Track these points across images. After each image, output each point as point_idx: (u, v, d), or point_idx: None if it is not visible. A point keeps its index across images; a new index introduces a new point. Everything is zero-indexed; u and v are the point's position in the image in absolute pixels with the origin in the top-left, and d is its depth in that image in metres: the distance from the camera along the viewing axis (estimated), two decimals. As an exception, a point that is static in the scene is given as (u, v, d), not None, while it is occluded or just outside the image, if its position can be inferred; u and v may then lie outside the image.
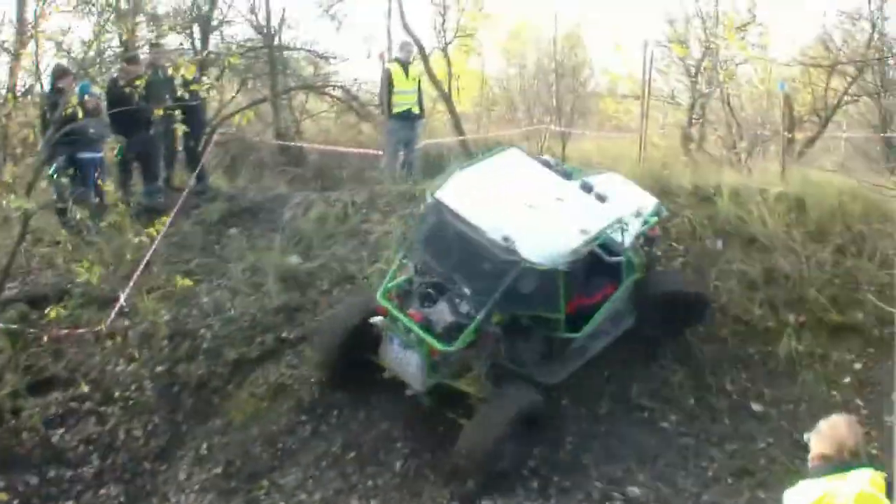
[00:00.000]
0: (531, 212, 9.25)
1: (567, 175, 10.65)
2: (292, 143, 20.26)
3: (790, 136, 16.24)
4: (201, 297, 12.06)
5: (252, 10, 21.11)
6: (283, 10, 21.18)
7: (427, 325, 8.99)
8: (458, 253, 9.14)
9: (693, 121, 18.54)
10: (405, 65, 15.70)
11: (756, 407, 10.69)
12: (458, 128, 20.83)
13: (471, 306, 8.95)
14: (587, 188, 10.13)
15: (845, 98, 17.99)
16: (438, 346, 8.83)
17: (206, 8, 20.09)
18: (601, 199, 9.95)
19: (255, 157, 20.18)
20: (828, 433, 4.64)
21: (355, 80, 22.58)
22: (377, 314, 9.33)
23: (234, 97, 21.23)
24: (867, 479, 4.39)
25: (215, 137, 17.17)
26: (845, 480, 4.41)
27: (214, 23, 20.53)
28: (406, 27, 20.67)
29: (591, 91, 23.73)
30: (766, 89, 17.90)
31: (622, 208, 10.06)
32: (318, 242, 13.02)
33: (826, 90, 18.05)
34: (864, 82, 18.32)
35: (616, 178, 11.67)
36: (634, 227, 10.26)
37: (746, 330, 11.60)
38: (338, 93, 22.36)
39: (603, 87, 23.96)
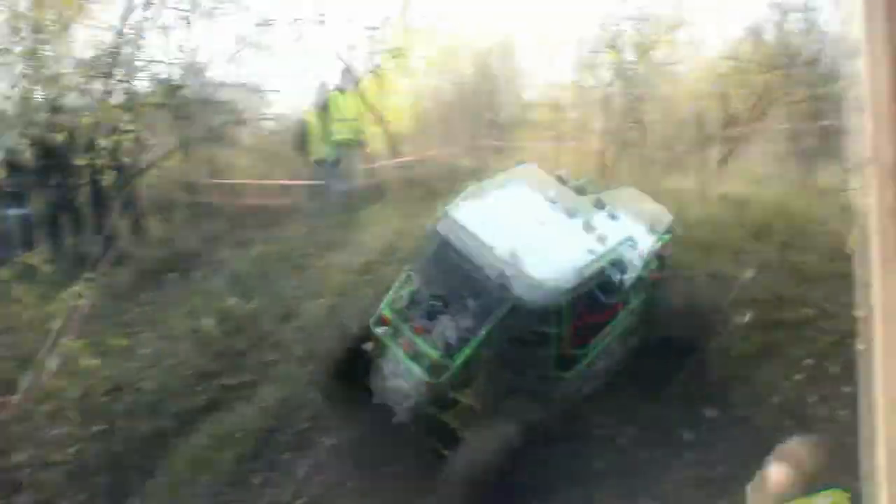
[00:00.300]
0: (541, 228, 9.11)
1: (581, 190, 10.49)
2: (228, 181, 19.92)
3: (728, 135, 16.22)
4: (140, 348, 11.75)
5: (179, 48, 20.74)
6: (211, 46, 20.79)
7: (421, 351, 8.85)
8: (463, 270, 8.92)
9: (631, 125, 18.41)
10: (344, 92, 15.43)
11: (710, 413, 10.54)
12: (395, 150, 20.63)
13: (471, 327, 8.74)
14: (600, 205, 10.03)
15: (780, 93, 17.94)
16: (426, 378, 8.65)
17: (128, 51, 19.65)
18: (613, 216, 9.89)
19: (190, 198, 19.82)
20: (788, 458, 4.46)
21: (288, 112, 22.28)
22: (378, 327, 9.22)
23: (163, 140, 20.82)
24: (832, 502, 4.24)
25: (147, 181, 16.80)
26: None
27: (140, 63, 20.12)
28: (337, 53, 20.47)
29: (528, 102, 23.57)
30: (702, 88, 17.86)
31: (634, 225, 10.01)
32: (259, 282, 12.77)
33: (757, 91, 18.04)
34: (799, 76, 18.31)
35: (632, 193, 11.57)
36: (647, 244, 10.09)
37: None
38: (271, 125, 22.06)
39: (539, 96, 23.80)
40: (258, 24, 21.41)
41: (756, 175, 14.48)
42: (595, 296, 9.24)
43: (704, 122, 17.23)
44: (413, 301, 9.33)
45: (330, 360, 9.72)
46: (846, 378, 10.01)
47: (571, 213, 9.43)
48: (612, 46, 19.39)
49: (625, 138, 17.20)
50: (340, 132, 15.05)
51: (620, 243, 9.34)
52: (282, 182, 19.17)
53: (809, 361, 10.77)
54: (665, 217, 10.98)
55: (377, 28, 22.95)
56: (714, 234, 12.36)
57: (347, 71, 16.83)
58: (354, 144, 15.33)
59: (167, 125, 20.54)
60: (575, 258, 8.73)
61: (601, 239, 9.19)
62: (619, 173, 15.03)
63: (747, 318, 10.56)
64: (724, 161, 15.37)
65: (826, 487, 4.38)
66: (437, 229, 9.29)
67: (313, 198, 17.37)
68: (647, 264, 9.95)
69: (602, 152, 17.00)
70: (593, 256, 8.86)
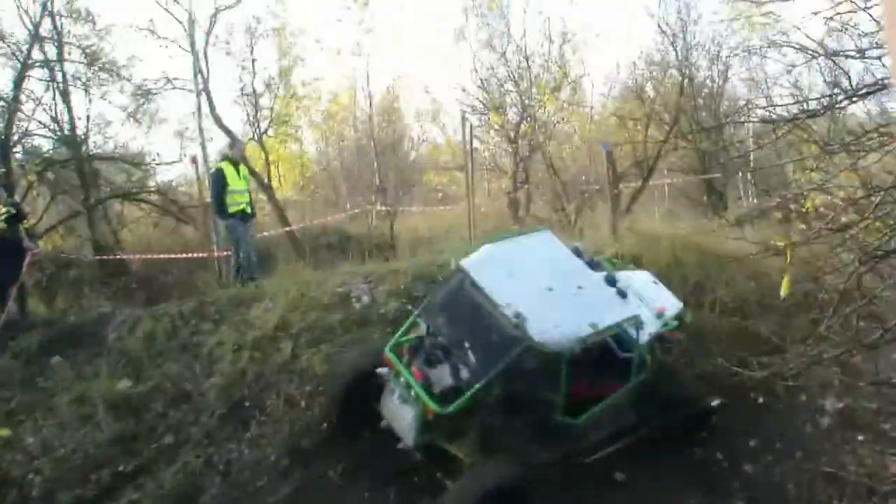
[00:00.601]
0: (548, 295, 9.11)
1: (594, 265, 10.55)
2: (112, 256, 19.31)
3: (616, 191, 16.43)
4: (26, 437, 11.10)
5: (55, 120, 20.24)
6: (88, 117, 20.33)
7: (427, 385, 9.04)
8: (470, 321, 9.23)
9: (518, 185, 18.55)
10: (236, 163, 15.01)
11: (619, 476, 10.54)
12: (282, 218, 20.32)
13: (471, 374, 8.95)
14: (611, 281, 10.11)
15: (664, 146, 18.34)
16: (434, 406, 8.84)
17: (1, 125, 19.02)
18: (622, 294, 9.96)
19: (74, 275, 19.14)
20: None
21: (171, 182, 21.87)
22: (384, 365, 9.43)
23: (43, 215, 20.15)
24: None
25: (27, 259, 16.14)
26: None
27: (15, 137, 19.52)
28: (218, 121, 20.18)
29: (413, 164, 23.55)
30: (588, 146, 18.13)
31: (641, 307, 9.98)
32: (148, 362, 12.21)
33: (645, 142, 18.38)
34: (679, 129, 18.78)
35: (645, 276, 11.53)
36: (653, 327, 10.10)
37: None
38: (154, 198, 21.59)
39: (425, 159, 23.83)
40: (135, 94, 21.24)
41: (650, 231, 14.59)
42: (595, 366, 9.52)
43: (593, 180, 17.44)
44: (417, 346, 9.57)
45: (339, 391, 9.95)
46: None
47: (580, 286, 9.55)
48: (496, 108, 19.59)
49: (514, 199, 17.27)
50: (235, 203, 14.59)
51: (623, 321, 9.38)
52: (170, 255, 18.74)
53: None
54: (675, 304, 11.04)
55: (259, 94, 22.83)
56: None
57: (239, 141, 16.51)
58: (247, 216, 14.88)
59: (50, 198, 19.96)
60: (577, 328, 8.75)
61: (605, 311, 9.25)
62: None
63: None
64: (615, 219, 15.50)
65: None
66: (448, 282, 9.71)
67: (205, 268, 16.95)
68: (649, 346, 10.02)
69: (491, 214, 16.98)
70: (594, 329, 8.85)
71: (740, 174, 20.74)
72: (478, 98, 19.92)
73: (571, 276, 9.70)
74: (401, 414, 9.34)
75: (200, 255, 17.09)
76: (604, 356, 9.73)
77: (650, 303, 10.44)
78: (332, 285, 12.58)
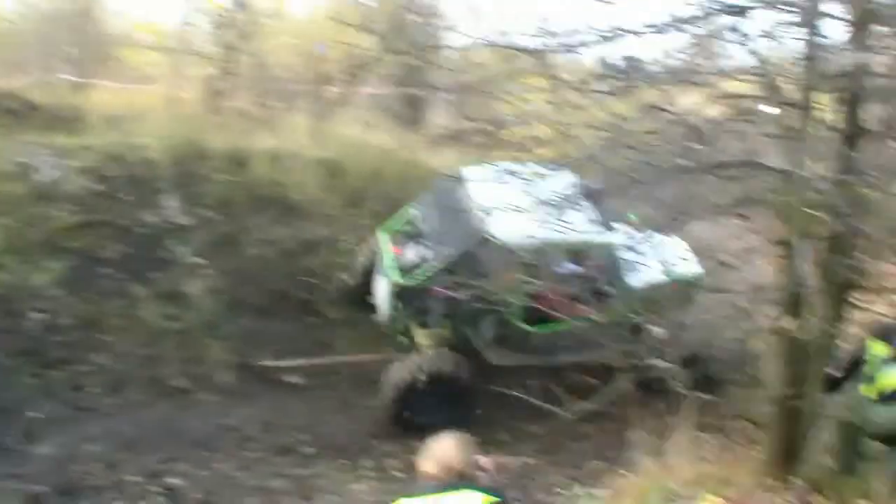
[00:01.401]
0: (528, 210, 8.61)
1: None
2: None
3: (324, 94, 16.14)
4: None
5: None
6: None
7: (399, 261, 10.42)
8: (449, 214, 10.35)
9: (223, 75, 17.74)
10: None
11: (294, 379, 10.52)
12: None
13: (434, 256, 10.15)
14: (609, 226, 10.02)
15: (377, 57, 18.09)
16: (396, 277, 10.16)
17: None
18: (609, 227, 9.92)
19: None
20: (436, 453, 4.29)
21: None
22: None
23: None
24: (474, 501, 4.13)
25: None
26: (450, 499, 4.12)
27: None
28: None
29: (112, 38, 21.95)
30: (302, 44, 17.59)
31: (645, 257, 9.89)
32: None
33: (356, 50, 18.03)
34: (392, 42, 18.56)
35: (676, 241, 11.18)
36: (651, 273, 10.36)
37: (284, 302, 11.41)
38: None
39: (125, 35, 22.28)
40: None
41: (350, 138, 14.49)
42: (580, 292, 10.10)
43: (302, 81, 17.01)
44: (405, 229, 11.05)
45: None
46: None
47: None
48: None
49: (217, 89, 16.53)
50: None
51: (591, 243, 9.95)
52: None
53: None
54: (693, 268, 11.08)
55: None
56: (309, 201, 12.27)
57: None
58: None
59: None
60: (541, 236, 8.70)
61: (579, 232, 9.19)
62: (210, 126, 14.31)
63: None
64: (317, 122, 15.21)
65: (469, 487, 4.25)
66: (444, 181, 11.06)
67: None
68: (644, 292, 10.33)
69: (195, 100, 16.22)
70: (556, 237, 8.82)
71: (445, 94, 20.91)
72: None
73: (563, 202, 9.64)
74: (380, 287, 10.62)
75: None
76: (592, 285, 10.30)
77: (662, 257, 10.57)
78: (10, 154, 11.59)
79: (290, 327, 11.17)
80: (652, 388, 8.67)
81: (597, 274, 10.47)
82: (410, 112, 20.08)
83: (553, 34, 6.35)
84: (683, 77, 6.46)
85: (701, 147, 6.44)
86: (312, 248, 11.94)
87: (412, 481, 4.88)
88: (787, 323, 6.54)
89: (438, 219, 10.64)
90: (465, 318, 10.05)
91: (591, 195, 10.79)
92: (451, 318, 10.04)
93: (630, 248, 9.57)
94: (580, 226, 9.69)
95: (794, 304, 6.53)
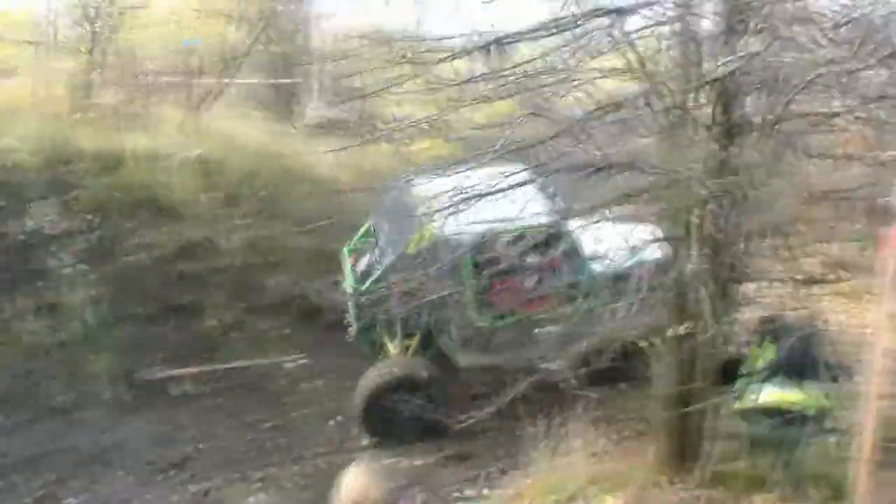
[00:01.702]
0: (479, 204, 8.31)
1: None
2: None
3: (196, 88, 15.83)
4: None
5: None
6: None
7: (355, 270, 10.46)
8: (398, 217, 10.24)
9: (92, 71, 17.18)
10: None
11: (184, 389, 10.44)
12: None
13: (384, 259, 10.05)
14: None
15: (250, 46, 17.80)
16: (350, 283, 10.28)
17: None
18: (560, 213, 9.70)
19: None
20: (351, 488, 4.31)
21: None
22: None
23: None
24: None
25: None
26: None
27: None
28: None
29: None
30: (173, 36, 17.16)
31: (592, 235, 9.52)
32: None
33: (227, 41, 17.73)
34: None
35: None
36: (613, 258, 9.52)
37: (165, 309, 11.30)
38: None
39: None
40: None
41: (225, 133, 14.28)
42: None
43: (174, 74, 16.62)
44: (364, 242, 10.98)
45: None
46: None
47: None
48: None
49: (84, 84, 16.02)
50: None
51: (532, 226, 9.54)
52: None
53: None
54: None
55: None
56: (185, 202, 12.10)
57: None
58: None
59: None
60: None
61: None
62: (79, 125, 13.89)
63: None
64: (190, 117, 14.93)
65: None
66: (393, 190, 10.63)
67: None
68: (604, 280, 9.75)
69: (62, 97, 15.69)
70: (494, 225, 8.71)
71: (317, 83, 20.76)
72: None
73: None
74: (348, 302, 10.35)
75: None
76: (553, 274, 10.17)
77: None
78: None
79: (176, 335, 11.11)
80: (551, 388, 8.57)
81: (558, 262, 10.29)
82: (284, 103, 19.86)
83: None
84: (562, 77, 6.56)
85: (581, 147, 6.58)
86: (192, 250, 11.79)
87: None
88: (676, 320, 6.74)
89: (388, 224, 10.59)
90: (429, 321, 10.03)
91: (544, 185, 10.99)
92: (415, 321, 9.97)
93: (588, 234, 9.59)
94: (533, 214, 9.56)
95: (681, 300, 6.72)
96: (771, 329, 7.19)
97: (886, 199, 10.84)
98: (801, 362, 6.77)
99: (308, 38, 20.43)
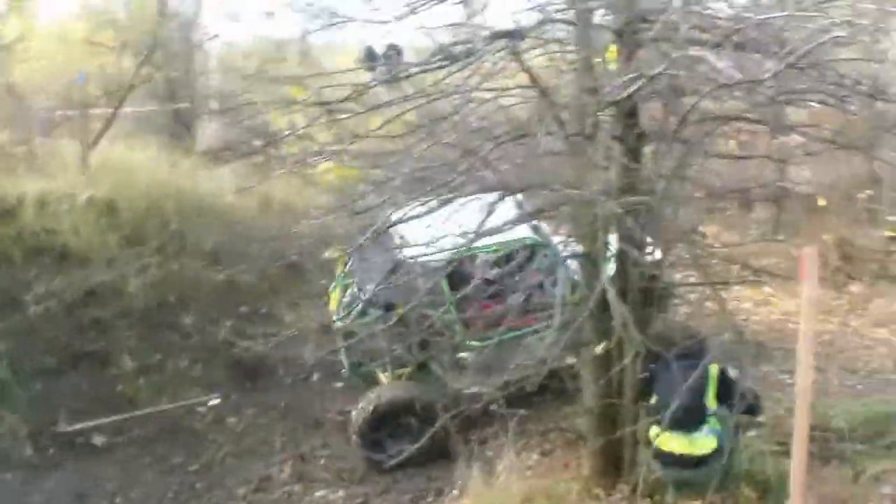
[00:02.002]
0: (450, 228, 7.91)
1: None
2: None
3: (88, 123, 15.40)
4: None
5: None
6: None
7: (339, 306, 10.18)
8: (376, 250, 9.56)
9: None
10: None
11: (99, 440, 10.15)
12: None
13: (362, 292, 9.77)
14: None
15: (137, 75, 17.40)
16: (335, 319, 9.98)
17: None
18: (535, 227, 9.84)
19: None
20: None
21: None
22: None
23: None
24: None
25: None
26: None
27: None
28: None
29: None
30: (59, 69, 16.69)
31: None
32: None
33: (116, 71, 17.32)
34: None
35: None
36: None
37: (76, 357, 10.97)
38: None
39: None
40: None
41: (124, 167, 13.93)
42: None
43: (58, 108, 16.15)
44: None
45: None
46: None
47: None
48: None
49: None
50: None
51: (504, 242, 9.50)
52: None
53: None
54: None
55: None
56: (89, 244, 11.78)
57: None
58: None
59: None
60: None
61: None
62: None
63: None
64: (87, 151, 14.50)
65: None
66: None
67: None
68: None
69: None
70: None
71: (207, 105, 20.51)
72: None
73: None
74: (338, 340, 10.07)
75: None
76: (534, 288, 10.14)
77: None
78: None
79: (90, 383, 10.75)
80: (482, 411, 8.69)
81: (540, 275, 10.21)
82: (183, 128, 19.51)
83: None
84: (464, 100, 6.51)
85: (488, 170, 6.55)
86: (100, 294, 11.46)
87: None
88: (596, 337, 6.73)
89: (365, 257, 10.17)
90: (419, 348, 9.79)
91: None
92: (405, 349, 9.70)
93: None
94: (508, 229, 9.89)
95: (600, 318, 6.67)
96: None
97: (781, 183, 11.22)
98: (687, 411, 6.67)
99: (197, 60, 20.20)
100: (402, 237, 9.24)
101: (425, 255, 8.73)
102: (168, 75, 18.48)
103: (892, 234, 13.21)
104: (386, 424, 9.40)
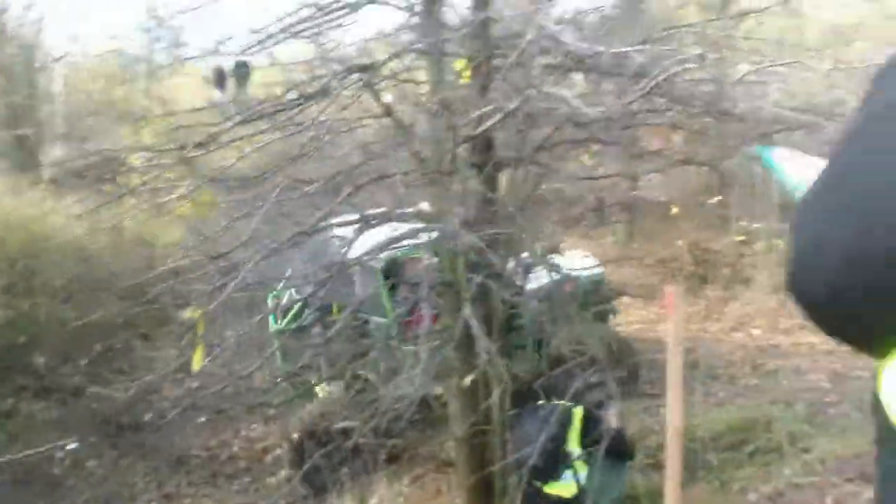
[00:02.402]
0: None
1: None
2: None
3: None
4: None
5: None
6: None
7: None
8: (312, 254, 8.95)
9: None
10: None
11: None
12: None
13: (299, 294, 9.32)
14: None
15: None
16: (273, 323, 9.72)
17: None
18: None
19: None
20: None
21: None
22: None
23: None
24: None
25: None
26: None
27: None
28: None
29: None
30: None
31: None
32: None
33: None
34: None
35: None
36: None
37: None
38: None
39: None
40: None
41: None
42: None
43: None
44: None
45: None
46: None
47: None
48: None
49: None
50: None
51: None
52: None
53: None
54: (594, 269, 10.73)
55: None
56: None
57: None
58: None
59: None
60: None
61: None
62: None
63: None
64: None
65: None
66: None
67: None
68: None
69: None
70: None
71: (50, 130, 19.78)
72: None
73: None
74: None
75: None
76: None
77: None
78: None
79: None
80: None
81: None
82: (27, 155, 18.65)
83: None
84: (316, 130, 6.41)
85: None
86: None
87: None
88: (462, 369, 6.70)
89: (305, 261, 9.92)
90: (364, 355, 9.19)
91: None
92: (346, 357, 9.02)
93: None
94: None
95: (464, 345, 6.62)
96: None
97: (634, 193, 11.47)
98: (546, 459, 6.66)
99: (40, 84, 19.48)
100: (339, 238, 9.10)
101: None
102: (9, 101, 17.80)
103: (742, 238, 13.68)
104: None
